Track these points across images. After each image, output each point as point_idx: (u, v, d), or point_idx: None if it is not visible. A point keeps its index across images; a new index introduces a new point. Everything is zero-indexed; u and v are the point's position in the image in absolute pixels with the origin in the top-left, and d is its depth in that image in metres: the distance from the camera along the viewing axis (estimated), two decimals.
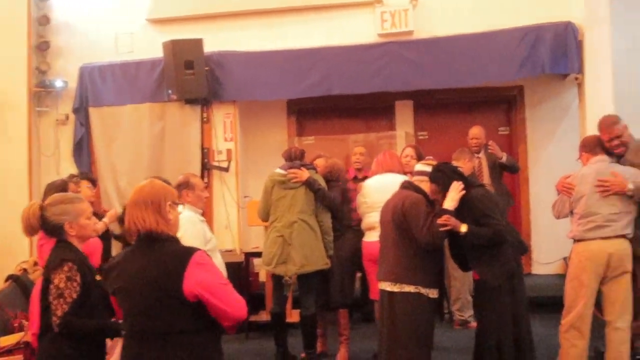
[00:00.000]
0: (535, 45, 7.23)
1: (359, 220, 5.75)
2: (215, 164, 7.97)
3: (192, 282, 2.57)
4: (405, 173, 5.59)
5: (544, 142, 8.05)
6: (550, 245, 7.58)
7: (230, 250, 7.54)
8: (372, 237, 5.36)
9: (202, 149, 7.99)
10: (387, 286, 4.24)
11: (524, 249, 4.73)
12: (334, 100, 8.10)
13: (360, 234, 5.71)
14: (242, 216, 7.82)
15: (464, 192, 4.15)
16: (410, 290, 4.14)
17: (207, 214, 7.03)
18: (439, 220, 4.02)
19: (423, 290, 4.14)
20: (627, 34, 7.56)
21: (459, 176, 4.26)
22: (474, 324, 6.15)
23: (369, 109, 8.50)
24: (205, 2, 8.10)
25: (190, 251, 2.66)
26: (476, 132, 7.06)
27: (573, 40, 7.11)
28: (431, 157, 4.70)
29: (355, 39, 7.75)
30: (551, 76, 7.66)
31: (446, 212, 4.06)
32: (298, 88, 7.78)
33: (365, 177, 6.25)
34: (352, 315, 6.17)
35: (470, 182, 4.32)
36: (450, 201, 4.12)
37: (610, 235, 4.57)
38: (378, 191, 5.35)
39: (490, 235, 4.16)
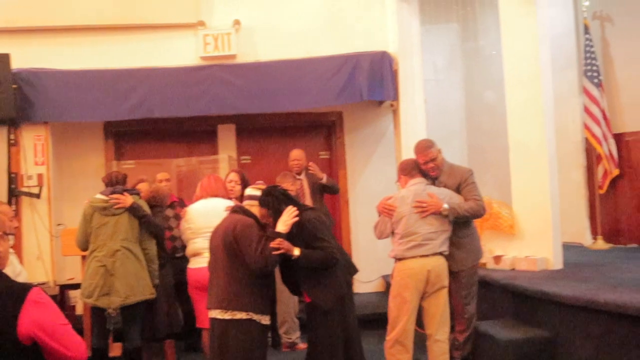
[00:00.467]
0: (354, 73, 7.55)
1: (175, 248, 5.64)
2: (25, 189, 7.37)
3: (28, 323, 2.30)
4: (230, 198, 5.55)
5: (363, 165, 8.39)
6: (370, 264, 7.86)
7: (44, 283, 6.98)
8: (197, 264, 5.25)
9: (10, 173, 7.35)
10: (218, 314, 4.11)
11: (354, 270, 4.85)
12: (155, 123, 7.87)
13: (180, 261, 5.57)
14: (56, 246, 7.28)
15: (297, 218, 4.18)
16: (242, 317, 4.04)
17: (16, 245, 6.51)
18: (272, 244, 4.00)
19: (255, 317, 4.07)
20: (434, 64, 8.15)
21: (289, 199, 4.27)
22: (301, 345, 6.23)
23: (191, 132, 8.35)
24: (14, 13, 7.51)
25: (25, 288, 2.38)
26: (297, 154, 7.16)
27: (388, 69, 7.51)
28: (261, 182, 4.67)
29: (177, 61, 7.62)
30: (368, 103, 8.02)
31: (279, 235, 4.05)
32: (117, 110, 7.45)
33: (172, 203, 6.17)
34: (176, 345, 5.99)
35: (301, 206, 4.36)
36: (283, 225, 4.10)
37: (429, 253, 4.81)
38: (203, 216, 5.28)
39: (323, 258, 4.21)
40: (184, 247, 5.65)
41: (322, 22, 8.01)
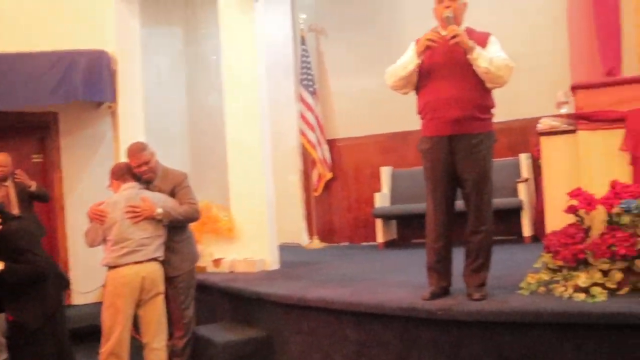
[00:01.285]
0: (69, 72, 7.07)
1: None
2: None
3: None
4: None
5: (80, 170, 7.94)
6: (88, 273, 7.46)
7: None
8: None
9: None
10: None
11: (65, 282, 4.55)
12: None
13: None
14: None
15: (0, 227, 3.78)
16: None
17: None
18: None
19: None
20: (157, 67, 8.01)
21: None
22: None
23: None
24: None
25: None
26: (2, 159, 6.57)
27: (107, 69, 7.18)
28: None
29: None
30: (86, 104, 7.60)
31: None
32: None
33: None
34: None
35: (5, 214, 3.97)
36: None
37: (143, 259, 4.69)
38: None
39: (30, 273, 3.88)
40: None
41: (35, 15, 7.39)
